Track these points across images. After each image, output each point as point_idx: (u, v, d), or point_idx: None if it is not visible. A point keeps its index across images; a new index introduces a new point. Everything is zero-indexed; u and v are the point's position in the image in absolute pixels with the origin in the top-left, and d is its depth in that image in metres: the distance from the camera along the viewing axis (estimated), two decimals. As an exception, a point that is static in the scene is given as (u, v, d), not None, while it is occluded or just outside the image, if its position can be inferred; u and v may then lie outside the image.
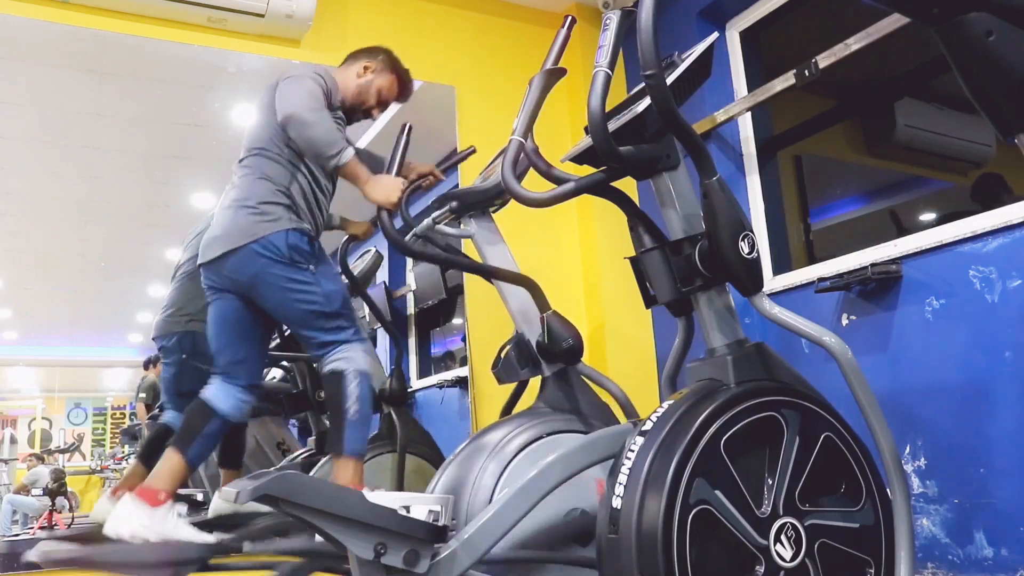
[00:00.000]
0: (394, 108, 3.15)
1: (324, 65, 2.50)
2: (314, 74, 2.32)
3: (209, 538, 2.05)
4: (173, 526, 2.05)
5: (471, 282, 3.29)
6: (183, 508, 2.14)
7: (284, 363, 3.34)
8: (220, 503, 2.31)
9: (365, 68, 2.54)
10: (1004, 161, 4.06)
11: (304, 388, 3.11)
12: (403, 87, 2.63)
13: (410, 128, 2.52)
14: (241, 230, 2.22)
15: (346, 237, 3.04)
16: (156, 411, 3.07)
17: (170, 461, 2.16)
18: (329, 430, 2.26)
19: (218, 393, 2.28)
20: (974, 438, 2.17)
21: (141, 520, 2.02)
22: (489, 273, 2.43)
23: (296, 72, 2.35)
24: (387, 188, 2.27)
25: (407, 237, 2.51)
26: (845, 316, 2.57)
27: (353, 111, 2.53)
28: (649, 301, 1.80)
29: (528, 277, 2.38)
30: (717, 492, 1.43)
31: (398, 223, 2.39)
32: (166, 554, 1.98)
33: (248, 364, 2.35)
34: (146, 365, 3.12)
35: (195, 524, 2.12)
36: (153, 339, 2.86)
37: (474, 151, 2.80)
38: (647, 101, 1.66)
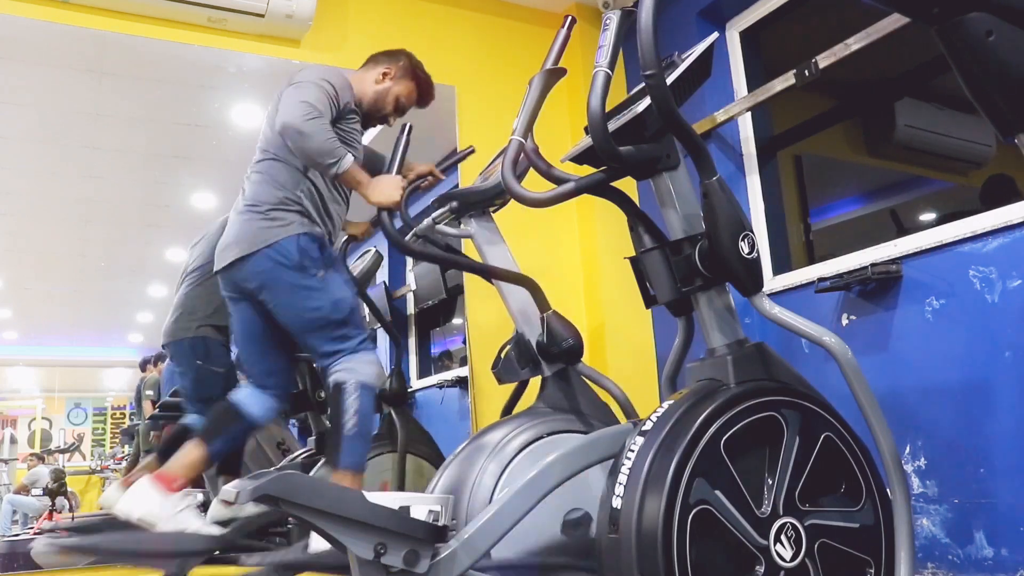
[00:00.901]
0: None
1: (340, 68, 2.48)
2: (320, 80, 2.27)
3: (216, 530, 2.05)
4: (184, 515, 2.04)
5: (471, 282, 3.29)
6: (197, 499, 2.13)
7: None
8: (218, 509, 2.30)
9: (384, 74, 2.52)
10: (1004, 161, 4.06)
11: (304, 388, 3.11)
12: (423, 93, 2.62)
13: (410, 128, 2.52)
14: (252, 236, 2.22)
15: (345, 238, 3.04)
16: (156, 411, 3.07)
17: (191, 453, 2.17)
18: (328, 439, 2.23)
19: (250, 398, 2.31)
20: (974, 438, 2.17)
21: (154, 504, 2.02)
22: (488, 273, 2.43)
23: (301, 78, 2.30)
24: (387, 189, 2.26)
25: (407, 237, 2.51)
26: (845, 316, 2.57)
27: (370, 117, 2.53)
28: (649, 301, 1.79)
29: (528, 277, 2.37)
30: (717, 492, 1.43)
31: (398, 223, 2.39)
32: (172, 544, 1.96)
33: (280, 374, 2.38)
34: (143, 366, 3.11)
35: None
36: (163, 346, 2.84)
37: (472, 151, 2.81)
38: (647, 101, 1.65)
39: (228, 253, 2.26)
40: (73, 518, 2.98)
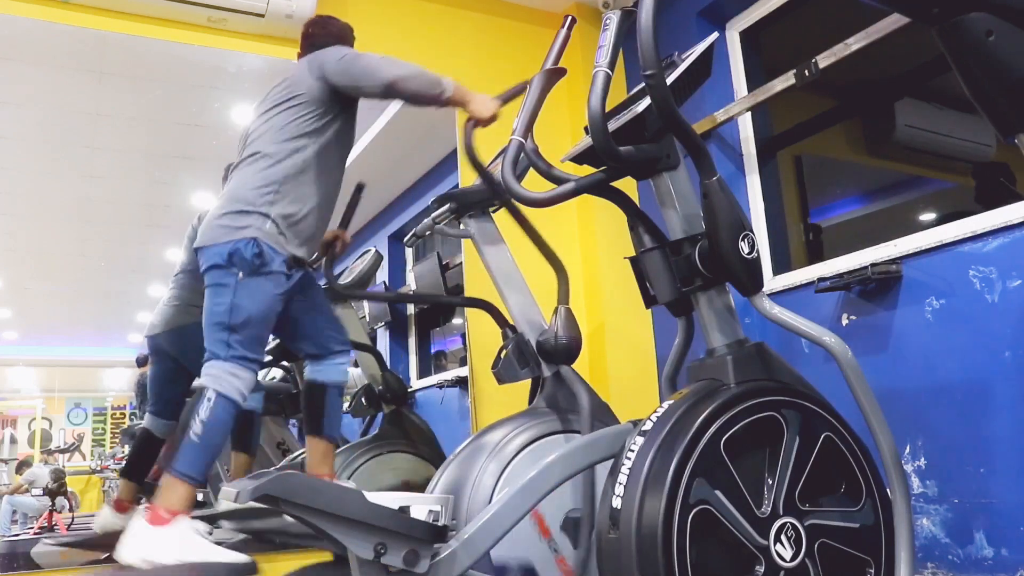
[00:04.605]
0: (395, 106, 3.17)
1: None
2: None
3: (239, 557, 1.97)
4: (191, 546, 1.94)
5: (471, 282, 3.29)
6: (203, 527, 2.04)
7: (284, 364, 3.34)
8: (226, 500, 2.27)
9: None
10: (1004, 161, 4.06)
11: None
12: None
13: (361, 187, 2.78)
14: (209, 233, 2.24)
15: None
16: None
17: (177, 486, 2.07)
18: (172, 443, 2.20)
19: None
20: (974, 438, 2.17)
21: (152, 544, 1.92)
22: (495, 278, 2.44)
23: (330, 54, 2.37)
24: (488, 102, 2.31)
25: (407, 238, 2.54)
26: (845, 316, 2.57)
27: None
28: (649, 301, 1.80)
29: (561, 263, 2.39)
30: (717, 492, 1.43)
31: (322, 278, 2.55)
32: None
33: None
34: (142, 362, 3.11)
35: (203, 518, 2.08)
36: (155, 336, 2.81)
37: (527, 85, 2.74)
38: (647, 101, 1.66)
39: (194, 246, 2.30)
40: (73, 519, 2.98)
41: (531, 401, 2.48)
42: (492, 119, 2.31)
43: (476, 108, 2.29)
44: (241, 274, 2.18)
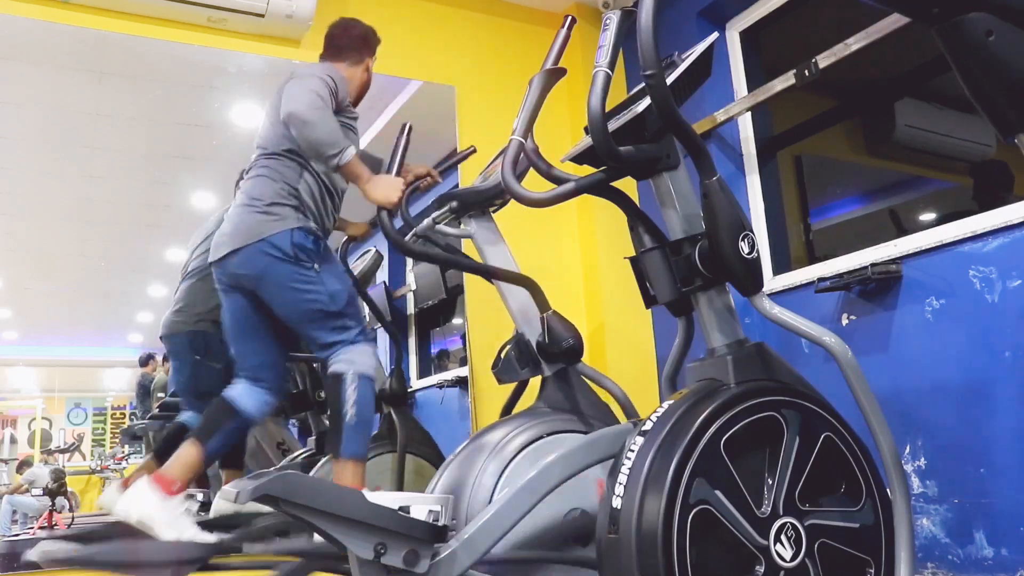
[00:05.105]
0: (395, 107, 3.17)
1: (332, 63, 2.50)
2: (322, 74, 2.31)
3: (210, 538, 2.05)
4: (180, 521, 2.04)
5: (471, 282, 3.29)
6: (193, 505, 2.14)
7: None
8: (222, 504, 2.31)
9: (368, 64, 2.60)
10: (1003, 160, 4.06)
11: (304, 388, 3.11)
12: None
13: (410, 128, 2.53)
14: (248, 229, 2.24)
15: (345, 238, 3.05)
16: (155, 410, 3.07)
17: (188, 453, 2.17)
18: (329, 431, 2.27)
19: (243, 394, 2.31)
20: (974, 438, 2.17)
21: (152, 507, 2.02)
22: (489, 273, 2.43)
23: (303, 72, 2.35)
24: (387, 188, 2.29)
25: (407, 237, 2.52)
26: (845, 316, 2.57)
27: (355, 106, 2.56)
28: (649, 301, 1.79)
29: (528, 277, 2.38)
30: (717, 492, 1.43)
31: (398, 223, 2.40)
32: (166, 553, 1.97)
33: (274, 367, 2.38)
34: (144, 362, 3.11)
35: (198, 524, 2.12)
36: (161, 338, 2.85)
37: (474, 151, 2.81)
38: (647, 101, 1.65)
39: (224, 245, 2.29)
40: (73, 519, 2.98)
41: (511, 407, 2.48)
42: (393, 206, 2.29)
43: (373, 192, 2.27)
44: (317, 265, 2.24)
